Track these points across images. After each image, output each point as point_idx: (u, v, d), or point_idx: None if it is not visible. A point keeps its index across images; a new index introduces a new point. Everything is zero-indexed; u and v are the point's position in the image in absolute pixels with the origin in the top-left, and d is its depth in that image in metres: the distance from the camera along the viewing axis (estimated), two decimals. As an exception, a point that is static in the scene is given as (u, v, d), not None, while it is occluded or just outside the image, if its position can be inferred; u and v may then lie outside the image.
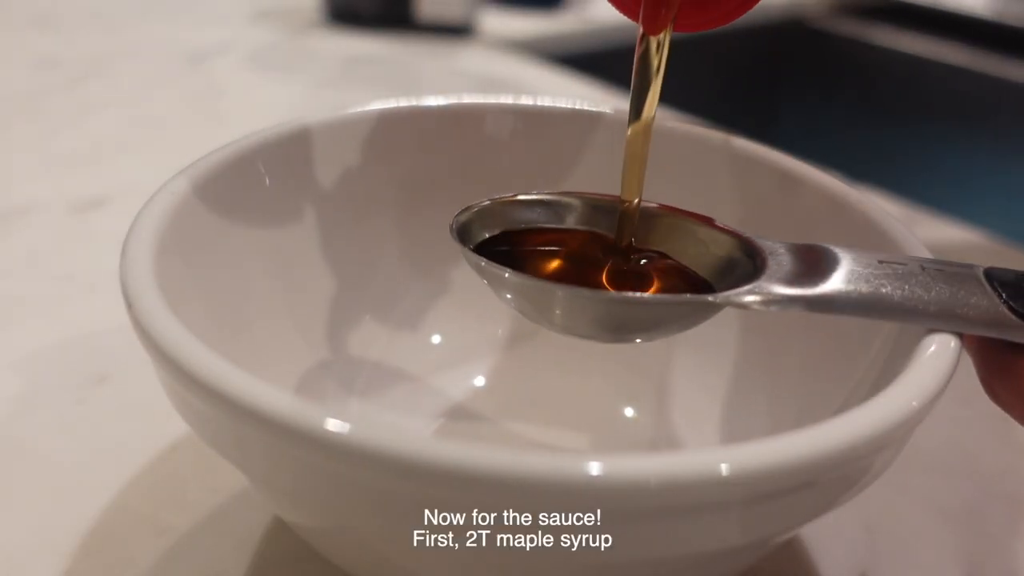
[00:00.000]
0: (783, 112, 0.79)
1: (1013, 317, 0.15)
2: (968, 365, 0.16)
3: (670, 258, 0.20)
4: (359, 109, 0.24)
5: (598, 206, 0.20)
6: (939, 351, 0.15)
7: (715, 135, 0.24)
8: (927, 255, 0.18)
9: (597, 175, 0.22)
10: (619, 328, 0.18)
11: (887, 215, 0.20)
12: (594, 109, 0.25)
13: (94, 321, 0.28)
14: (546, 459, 0.12)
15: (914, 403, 0.14)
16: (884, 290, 0.16)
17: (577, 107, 0.25)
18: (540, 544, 0.13)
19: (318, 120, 0.23)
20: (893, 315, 0.16)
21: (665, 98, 0.21)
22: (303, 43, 0.58)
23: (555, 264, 0.20)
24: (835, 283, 0.16)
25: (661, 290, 0.19)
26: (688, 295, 0.17)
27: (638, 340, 0.19)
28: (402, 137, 0.24)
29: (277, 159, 0.22)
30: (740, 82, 0.78)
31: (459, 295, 0.26)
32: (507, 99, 0.25)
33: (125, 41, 0.56)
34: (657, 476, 0.12)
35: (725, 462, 0.12)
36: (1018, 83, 0.68)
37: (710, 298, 0.17)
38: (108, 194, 0.37)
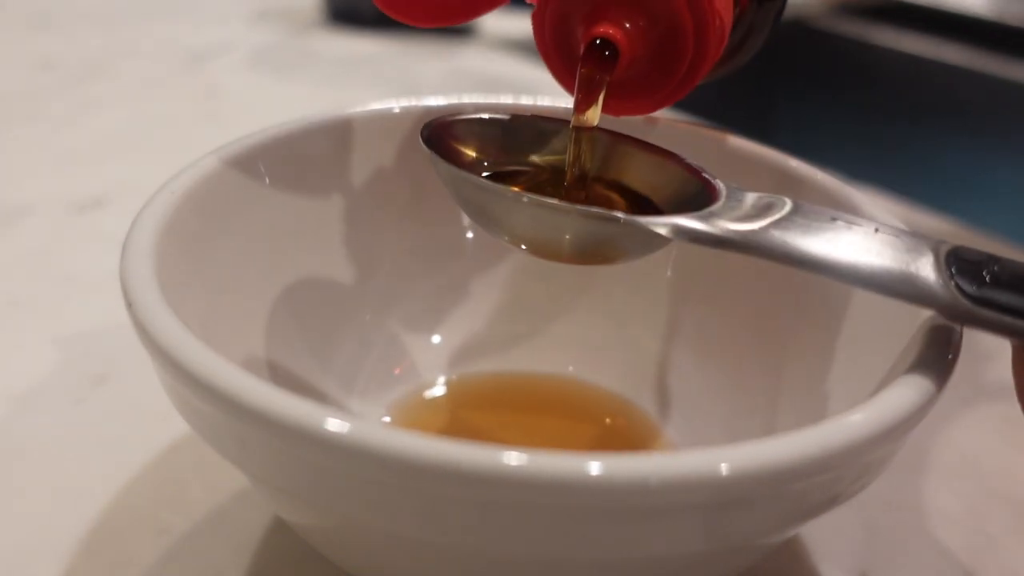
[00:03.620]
0: (783, 112, 0.79)
1: (961, 298, 0.14)
2: (967, 366, 0.16)
3: (628, 189, 0.20)
4: (359, 109, 0.24)
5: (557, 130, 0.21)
6: (940, 352, 0.15)
7: (715, 134, 0.24)
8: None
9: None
10: (546, 239, 0.18)
11: (887, 215, 0.20)
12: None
13: (94, 321, 0.28)
14: (546, 459, 0.12)
15: (913, 403, 0.14)
16: (814, 244, 0.15)
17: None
18: (539, 544, 0.13)
19: (318, 120, 0.23)
20: (816, 269, 0.15)
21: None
22: (303, 43, 0.58)
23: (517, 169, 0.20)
24: (758, 225, 0.16)
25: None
26: (594, 208, 0.17)
27: (584, 261, 0.19)
28: (401, 137, 0.24)
29: (277, 159, 0.22)
30: (740, 82, 0.78)
31: (459, 295, 0.26)
32: (507, 99, 0.25)
33: (125, 41, 0.56)
34: (657, 476, 0.12)
35: (725, 462, 0.12)
36: (1018, 83, 0.68)
37: (619, 215, 0.17)
38: (108, 194, 0.37)
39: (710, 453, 0.12)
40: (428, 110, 0.24)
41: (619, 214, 0.17)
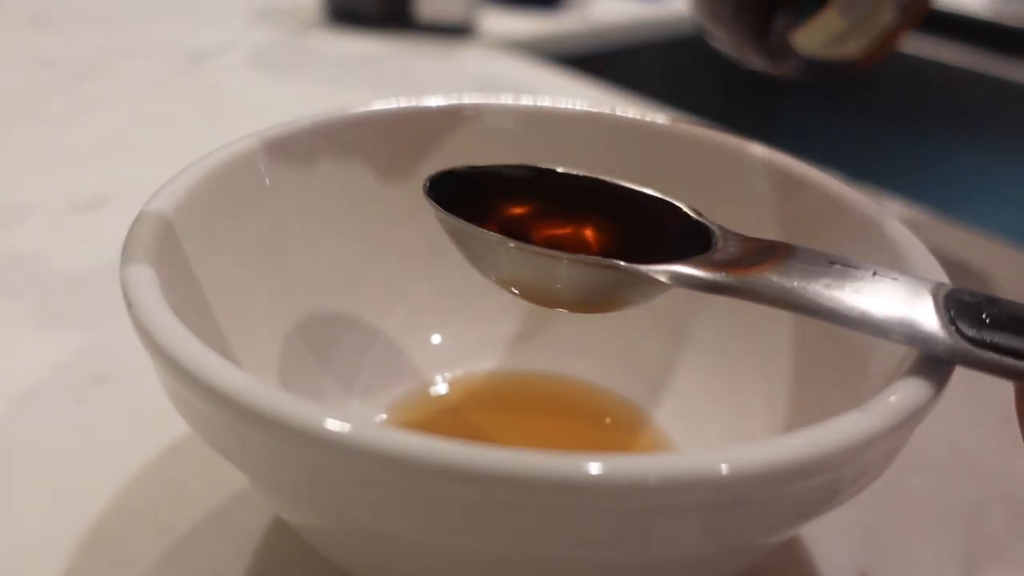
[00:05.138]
0: (783, 112, 0.79)
1: (962, 341, 0.14)
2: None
3: (627, 235, 0.20)
4: (359, 109, 0.24)
5: (564, 178, 0.21)
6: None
7: (715, 135, 0.24)
8: (928, 257, 0.18)
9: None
10: (546, 286, 0.18)
11: (887, 216, 0.20)
12: (594, 109, 0.25)
13: (94, 321, 0.28)
14: (546, 459, 0.12)
15: (913, 404, 0.14)
16: (812, 288, 0.16)
17: (577, 107, 0.25)
18: (540, 544, 0.13)
19: (318, 120, 0.23)
20: (816, 313, 0.16)
21: (665, 98, 0.21)
22: (303, 43, 0.58)
23: (515, 219, 0.21)
24: (760, 271, 0.16)
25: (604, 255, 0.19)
26: (598, 258, 0.17)
27: (596, 310, 0.19)
28: (402, 137, 0.24)
29: (277, 159, 0.22)
30: (740, 82, 0.78)
31: (459, 296, 0.26)
32: (507, 99, 0.25)
33: (125, 41, 0.56)
34: (657, 476, 0.12)
35: (725, 462, 0.12)
36: (1018, 83, 0.68)
37: (619, 263, 0.17)
38: (108, 194, 0.37)
39: (710, 453, 0.12)
40: (428, 110, 0.24)
41: (619, 262, 0.17)
